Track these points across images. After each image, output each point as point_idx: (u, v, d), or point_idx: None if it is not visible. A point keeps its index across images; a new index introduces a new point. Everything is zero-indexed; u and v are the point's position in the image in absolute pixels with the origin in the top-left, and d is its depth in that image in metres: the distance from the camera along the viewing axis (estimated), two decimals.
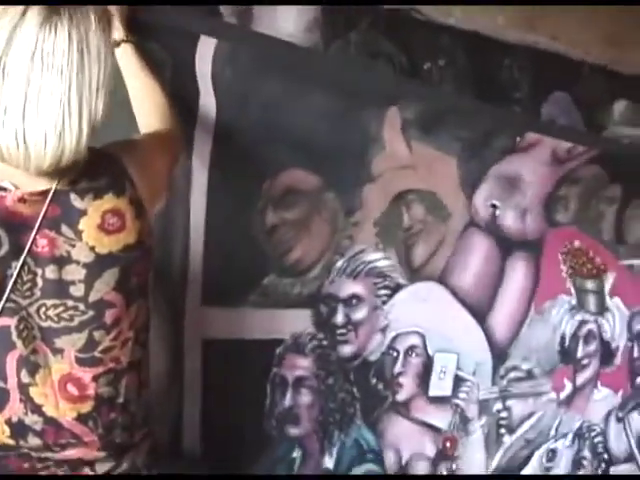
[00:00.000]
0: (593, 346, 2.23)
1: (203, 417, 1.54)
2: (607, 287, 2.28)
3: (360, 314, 1.73)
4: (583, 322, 2.20)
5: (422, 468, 1.80)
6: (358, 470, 1.72)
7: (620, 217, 2.41)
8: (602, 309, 2.25)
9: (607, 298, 2.28)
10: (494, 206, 2.03)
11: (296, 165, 1.65)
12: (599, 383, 2.25)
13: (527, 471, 1.97)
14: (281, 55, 1.62)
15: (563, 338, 2.16)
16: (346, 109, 1.70)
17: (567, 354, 2.16)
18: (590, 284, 2.24)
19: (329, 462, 1.69)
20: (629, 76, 2.55)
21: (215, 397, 1.55)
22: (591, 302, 2.23)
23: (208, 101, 1.53)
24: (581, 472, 2.10)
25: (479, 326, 1.96)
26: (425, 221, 1.86)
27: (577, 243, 2.23)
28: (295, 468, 1.66)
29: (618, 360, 2.31)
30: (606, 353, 2.28)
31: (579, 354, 2.20)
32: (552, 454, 2.05)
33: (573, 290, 2.19)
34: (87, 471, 1.13)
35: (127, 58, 1.32)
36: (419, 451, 1.82)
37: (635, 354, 2.36)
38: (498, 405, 1.96)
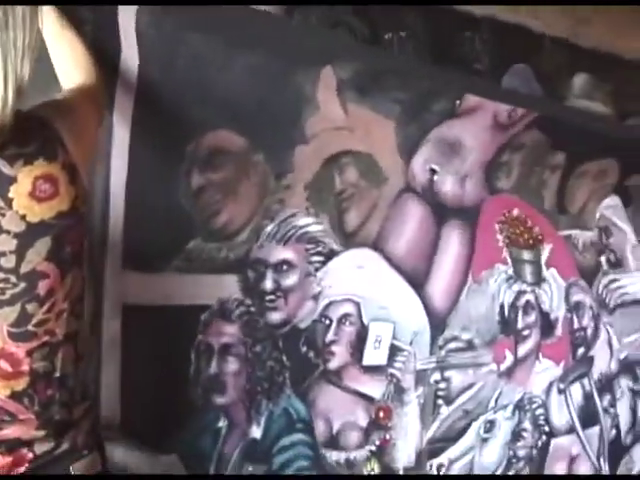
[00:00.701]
0: (532, 317, 2.21)
1: (123, 386, 1.47)
2: (543, 258, 2.26)
3: (290, 280, 1.68)
4: (521, 292, 2.17)
5: (354, 438, 1.76)
6: (287, 440, 1.67)
7: (563, 185, 2.39)
8: (539, 279, 2.23)
9: (544, 268, 2.25)
10: (433, 171, 1.98)
11: (223, 126, 1.58)
12: (540, 355, 2.23)
13: (463, 441, 1.94)
14: (210, 13, 1.56)
15: (502, 308, 2.14)
16: (278, 69, 1.64)
17: (507, 325, 2.14)
18: (526, 254, 2.22)
19: (256, 432, 1.64)
20: (589, 50, 2.56)
21: (136, 365, 1.49)
22: (527, 272, 2.21)
23: (130, 58, 1.45)
24: (520, 444, 2.08)
25: (416, 295, 1.92)
26: (358, 185, 1.81)
27: (516, 212, 2.19)
28: (220, 438, 1.61)
29: (559, 331, 2.29)
30: (546, 324, 2.26)
31: (519, 325, 2.18)
32: (490, 425, 2.03)
33: (509, 260, 2.16)
34: (26, 452, 1.08)
35: (46, 14, 1.26)
36: (351, 420, 1.77)
37: (575, 325, 2.36)
38: (436, 375, 1.93)
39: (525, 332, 2.19)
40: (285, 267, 1.68)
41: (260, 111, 1.63)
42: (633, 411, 2.49)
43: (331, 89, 1.73)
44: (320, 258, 1.73)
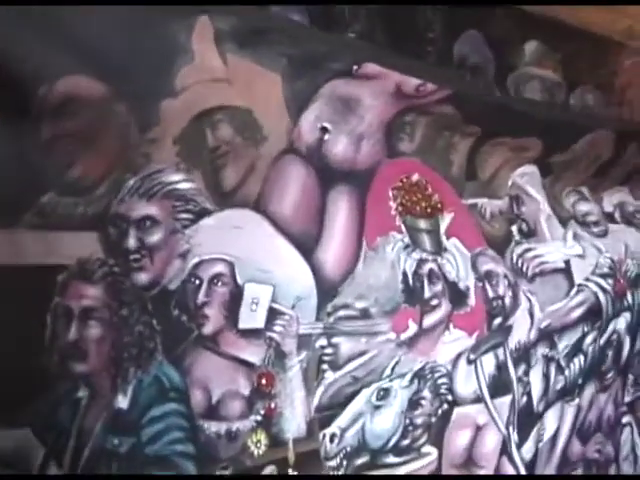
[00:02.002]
0: (439, 286, 2.11)
1: None
2: (443, 227, 2.16)
3: (155, 237, 1.55)
4: (422, 260, 2.07)
5: (236, 406, 1.64)
6: (158, 410, 1.53)
7: (475, 150, 2.30)
8: (439, 249, 2.13)
9: (443, 238, 2.15)
10: (324, 129, 1.86)
11: (81, 71, 1.43)
12: (451, 325, 2.13)
13: (352, 407, 1.83)
14: None
15: (405, 276, 2.03)
16: (146, 15, 1.50)
17: (412, 294, 2.03)
18: (423, 223, 2.11)
19: (123, 402, 1.51)
20: (540, 17, 2.53)
21: None
22: (426, 241, 2.11)
23: None
24: (418, 412, 1.98)
25: (304, 259, 1.80)
26: (232, 142, 1.68)
27: (415, 177, 2.09)
28: (80, 409, 1.47)
29: (472, 301, 2.20)
30: (455, 294, 2.16)
31: (427, 294, 2.07)
32: (384, 393, 1.91)
33: (404, 228, 2.05)
34: None
35: None
36: (232, 388, 1.65)
37: (490, 294, 2.27)
38: (322, 341, 1.81)
39: (434, 302, 2.08)
40: (148, 223, 1.55)
41: (126, 59, 1.50)
42: (546, 377, 2.42)
43: (208, 39, 1.61)
44: (189, 216, 1.61)
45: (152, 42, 1.54)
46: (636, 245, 2.80)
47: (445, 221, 2.16)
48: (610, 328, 2.68)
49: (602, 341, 2.65)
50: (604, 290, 2.62)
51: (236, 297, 1.66)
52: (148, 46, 1.54)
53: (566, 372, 2.49)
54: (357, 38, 2.10)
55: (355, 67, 1.87)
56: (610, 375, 2.76)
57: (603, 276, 2.64)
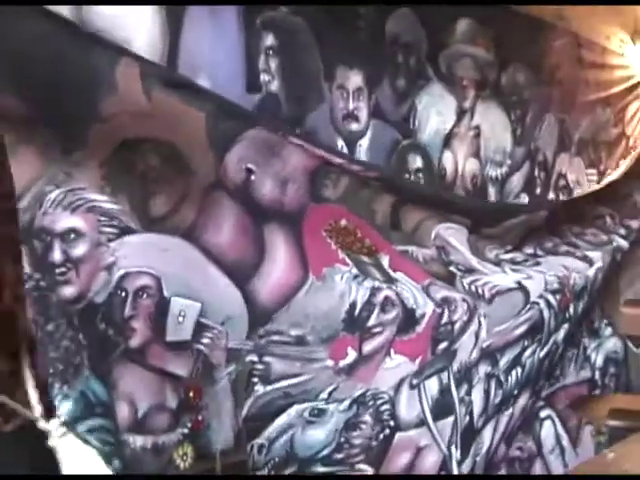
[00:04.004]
0: (392, 313, 2.16)
1: None
2: (385, 264, 2.20)
3: (80, 250, 1.59)
4: (376, 289, 2.12)
5: (162, 421, 1.63)
6: (84, 425, 1.52)
7: (397, 205, 2.31)
8: (389, 278, 2.18)
9: (390, 271, 2.20)
10: (249, 170, 1.91)
11: (6, 90, 1.49)
12: (392, 351, 2.16)
13: (281, 419, 1.82)
14: None
15: (353, 306, 2.07)
16: (76, 42, 1.58)
17: (353, 322, 2.07)
18: (366, 258, 2.16)
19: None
20: None
21: None
22: (375, 272, 2.15)
23: None
24: (356, 434, 1.98)
25: (237, 288, 1.83)
26: (162, 171, 1.74)
27: (344, 222, 2.12)
28: None
29: (420, 328, 2.23)
30: (407, 320, 2.20)
31: (371, 322, 2.11)
32: (319, 412, 1.92)
33: (349, 261, 2.09)
34: None
35: None
36: (159, 402, 1.65)
37: (444, 320, 2.30)
38: (253, 357, 1.82)
39: (376, 329, 2.12)
40: (73, 235, 1.58)
41: (53, 83, 1.56)
42: (487, 394, 2.43)
43: (133, 74, 1.66)
44: (114, 230, 1.64)
45: (77, 68, 1.59)
46: (572, 263, 2.86)
47: (385, 260, 2.21)
48: (551, 341, 2.71)
49: (542, 354, 2.67)
50: (550, 306, 2.67)
51: (163, 310, 1.68)
52: (73, 71, 1.58)
53: (504, 386, 2.51)
54: (291, 13, 2.19)
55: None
56: (542, 382, 2.78)
57: (553, 292, 2.69)
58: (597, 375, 3.21)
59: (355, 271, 2.10)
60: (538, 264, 2.75)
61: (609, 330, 3.21)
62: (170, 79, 1.79)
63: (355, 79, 2.36)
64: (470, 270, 2.52)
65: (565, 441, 3.01)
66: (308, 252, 2.01)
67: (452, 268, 2.48)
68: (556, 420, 2.99)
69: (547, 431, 2.95)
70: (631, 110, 3.90)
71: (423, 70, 2.61)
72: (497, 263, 2.65)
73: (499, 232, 2.68)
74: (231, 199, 1.88)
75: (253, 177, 1.92)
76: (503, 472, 2.65)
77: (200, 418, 1.70)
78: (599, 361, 3.22)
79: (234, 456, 1.76)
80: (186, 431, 1.68)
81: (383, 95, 2.46)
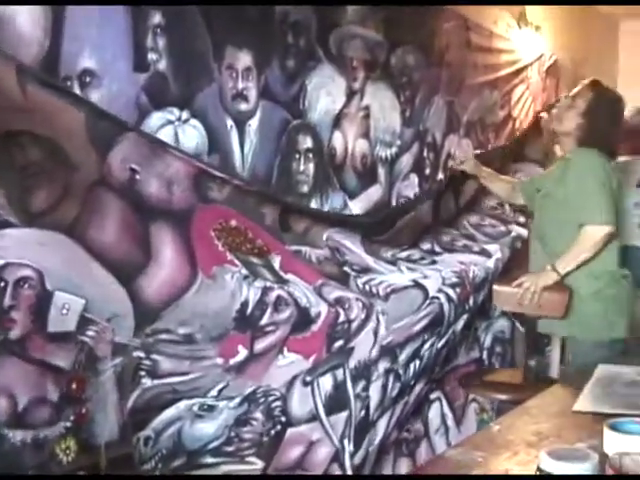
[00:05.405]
0: (286, 313, 2.18)
1: None
2: (276, 265, 2.23)
3: None
4: (268, 288, 2.14)
5: (43, 414, 1.59)
6: None
7: (284, 213, 2.35)
8: (280, 279, 2.21)
9: (281, 272, 2.23)
10: (133, 170, 1.91)
11: None
12: (285, 349, 2.19)
13: (169, 412, 1.81)
14: None
15: (245, 305, 2.09)
16: None
17: (246, 321, 2.09)
18: (255, 260, 2.18)
19: None
20: None
21: None
22: (265, 273, 2.18)
23: None
24: (247, 429, 1.98)
25: (121, 285, 1.82)
26: (43, 166, 1.71)
27: (234, 222, 2.15)
28: None
29: (316, 327, 2.27)
30: (302, 319, 2.24)
31: (264, 321, 2.13)
32: (208, 407, 1.92)
33: (238, 262, 2.10)
34: None
35: None
36: (39, 395, 1.60)
37: (340, 319, 2.35)
38: (140, 353, 1.81)
39: (269, 328, 2.14)
40: None
41: None
42: (384, 388, 2.48)
43: (9, 66, 1.62)
44: None
45: None
46: (468, 258, 2.96)
47: (276, 261, 2.24)
48: (449, 332, 2.79)
49: (440, 344, 2.75)
50: (450, 300, 2.75)
51: (45, 301, 1.64)
52: None
53: (402, 378, 2.56)
54: None
55: None
56: (437, 370, 2.86)
57: (453, 286, 2.77)
58: (485, 355, 3.34)
59: (245, 271, 2.12)
60: (434, 262, 2.85)
61: (499, 310, 3.30)
62: (46, 82, 1.77)
63: (244, 59, 2.35)
64: (365, 270, 2.60)
65: (450, 420, 3.11)
66: (197, 251, 2.02)
67: (346, 268, 2.55)
68: (443, 401, 3.09)
69: (434, 412, 3.04)
70: (517, 93, 4.05)
71: (313, 51, 2.62)
72: (393, 262, 2.75)
73: (390, 236, 2.77)
74: (116, 197, 1.88)
75: (138, 177, 1.92)
76: (391, 455, 2.69)
77: (84, 411, 1.65)
78: (487, 341, 3.35)
79: (119, 449, 1.72)
80: (69, 424, 1.64)
81: (273, 75, 2.46)
